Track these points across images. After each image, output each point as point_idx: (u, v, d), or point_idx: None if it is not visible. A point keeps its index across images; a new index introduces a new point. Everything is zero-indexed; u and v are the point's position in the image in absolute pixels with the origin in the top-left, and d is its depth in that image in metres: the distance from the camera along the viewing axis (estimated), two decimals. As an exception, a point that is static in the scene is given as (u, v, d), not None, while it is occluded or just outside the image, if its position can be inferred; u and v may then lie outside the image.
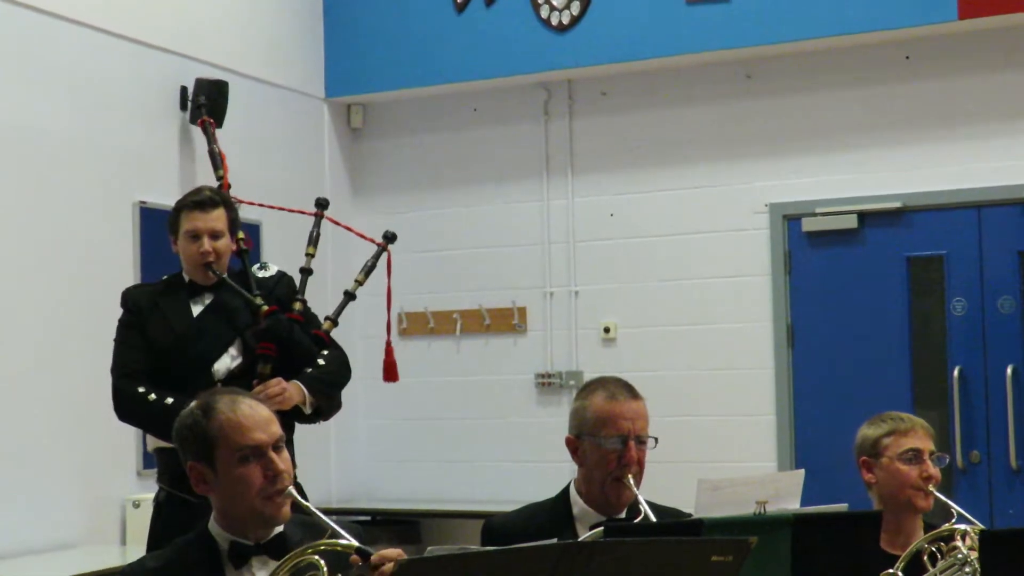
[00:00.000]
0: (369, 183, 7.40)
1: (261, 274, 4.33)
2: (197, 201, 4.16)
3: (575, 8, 6.65)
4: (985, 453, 6.08)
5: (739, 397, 6.50)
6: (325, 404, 4.22)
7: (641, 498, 3.09)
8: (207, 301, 4.20)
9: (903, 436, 3.41)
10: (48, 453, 5.31)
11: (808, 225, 6.41)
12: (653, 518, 3.03)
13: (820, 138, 6.45)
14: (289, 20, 6.96)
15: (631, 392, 3.23)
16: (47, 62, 5.46)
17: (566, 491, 3.28)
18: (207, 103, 6.01)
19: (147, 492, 5.27)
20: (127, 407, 4.10)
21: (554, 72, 6.80)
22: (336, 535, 2.46)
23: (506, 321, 7.02)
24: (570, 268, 6.93)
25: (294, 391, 4.08)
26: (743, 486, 2.86)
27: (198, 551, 2.63)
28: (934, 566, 2.99)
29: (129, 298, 4.22)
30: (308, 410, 4.16)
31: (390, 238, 4.68)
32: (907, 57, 6.28)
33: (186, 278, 4.24)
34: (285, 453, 2.66)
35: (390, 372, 4.85)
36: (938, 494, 3.35)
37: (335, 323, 4.45)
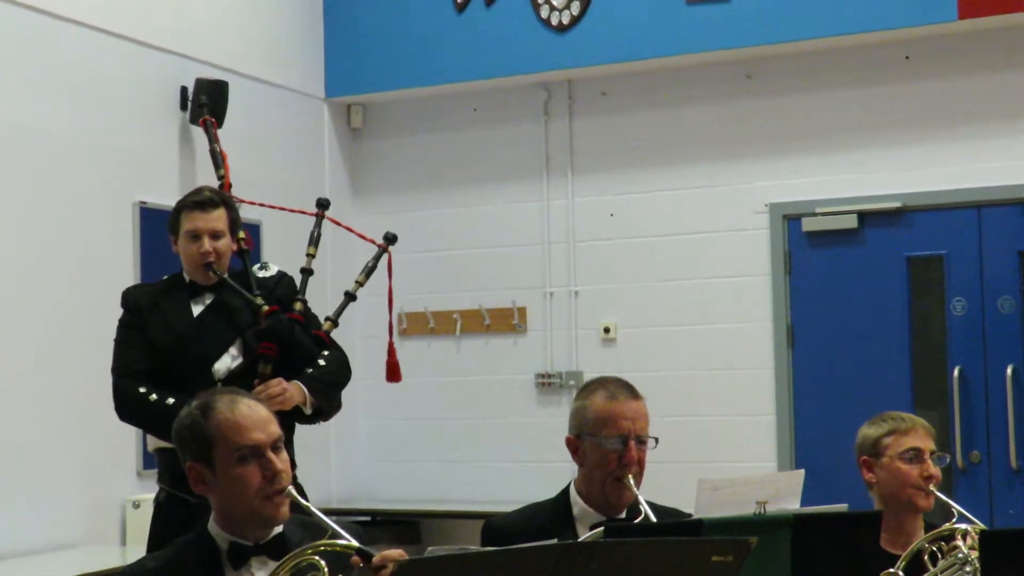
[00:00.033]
0: (369, 183, 7.39)
1: (262, 274, 4.33)
2: (198, 201, 4.16)
3: (575, 8, 6.65)
4: (985, 453, 6.08)
5: (739, 397, 6.50)
6: (325, 404, 4.22)
7: (641, 498, 3.09)
8: (208, 301, 4.20)
9: (904, 435, 3.41)
10: (48, 453, 5.31)
11: (808, 225, 6.41)
12: (653, 518, 3.03)
13: (820, 138, 6.45)
14: (289, 20, 6.96)
15: (631, 392, 3.23)
16: (47, 62, 5.46)
17: (566, 491, 3.28)
18: (208, 103, 6.01)
19: (147, 492, 5.27)
20: (128, 407, 4.10)
21: (554, 72, 6.80)
22: (336, 535, 2.45)
23: (506, 321, 7.02)
24: (570, 268, 6.93)
25: (295, 391, 4.08)
26: (743, 486, 2.86)
27: (197, 551, 2.63)
28: (935, 566, 2.99)
29: (129, 298, 4.22)
30: (308, 410, 4.16)
31: (391, 239, 4.68)
32: (907, 57, 6.28)
33: (186, 278, 4.24)
34: (284, 453, 2.66)
35: (393, 373, 4.85)
36: (939, 493, 3.35)
37: (335, 324, 4.45)
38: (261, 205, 5.46)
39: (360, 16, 7.11)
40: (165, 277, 4.32)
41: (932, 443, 3.43)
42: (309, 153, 7.10)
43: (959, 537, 2.98)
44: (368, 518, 6.93)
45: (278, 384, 4.04)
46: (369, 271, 4.60)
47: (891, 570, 2.97)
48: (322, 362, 4.24)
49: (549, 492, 3.34)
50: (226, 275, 4.17)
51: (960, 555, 2.94)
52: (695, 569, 2.28)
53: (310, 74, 7.10)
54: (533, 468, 6.76)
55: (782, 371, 6.42)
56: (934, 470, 3.38)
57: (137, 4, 5.93)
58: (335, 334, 4.42)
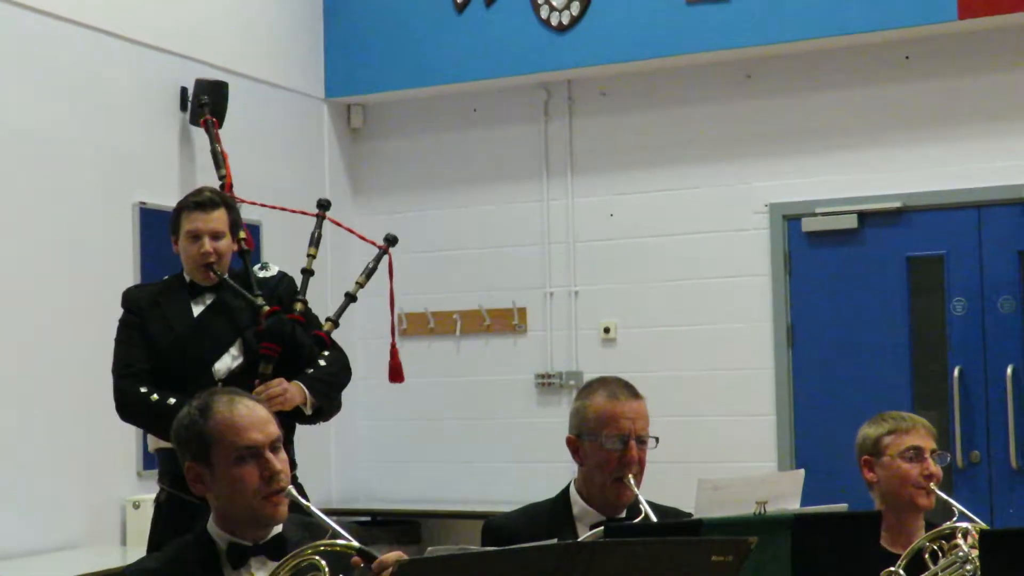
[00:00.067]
0: (369, 183, 7.40)
1: (262, 274, 4.33)
2: (198, 202, 4.16)
3: (575, 8, 6.65)
4: (985, 453, 6.08)
5: (739, 397, 6.50)
6: (326, 405, 4.22)
7: (641, 498, 3.09)
8: (208, 301, 4.20)
9: (904, 434, 3.42)
10: (48, 453, 5.31)
11: (808, 225, 6.41)
12: (653, 518, 3.03)
13: (820, 138, 6.45)
14: (289, 20, 6.96)
15: (632, 392, 3.23)
16: (48, 63, 5.46)
17: (566, 491, 3.27)
18: (208, 103, 6.01)
19: (147, 493, 5.27)
20: (130, 407, 4.10)
21: (554, 72, 6.80)
22: (337, 535, 2.45)
23: (506, 321, 7.02)
24: (570, 268, 6.93)
25: (295, 391, 4.08)
26: (743, 486, 2.85)
27: (197, 552, 2.63)
28: (935, 564, 2.99)
29: (129, 298, 4.22)
30: (309, 411, 4.16)
31: (391, 241, 4.68)
32: (907, 57, 6.28)
33: (187, 278, 4.24)
34: (283, 453, 2.66)
35: (396, 374, 4.84)
36: (939, 492, 3.36)
37: (336, 324, 4.45)
38: (262, 205, 5.45)
39: (360, 16, 7.11)
40: (165, 277, 4.32)
41: (932, 442, 3.44)
42: (309, 153, 7.10)
43: (960, 536, 2.98)
44: (368, 518, 6.94)
45: (278, 384, 4.04)
46: (369, 272, 4.59)
47: (892, 568, 2.97)
48: (323, 362, 4.24)
49: (549, 492, 3.34)
50: (226, 275, 4.17)
51: (961, 554, 2.94)
52: (695, 569, 2.28)
53: (310, 74, 7.10)
54: (533, 468, 6.76)
55: (782, 371, 6.42)
56: (935, 469, 3.39)
57: (137, 5, 5.94)
58: (335, 335, 4.42)
